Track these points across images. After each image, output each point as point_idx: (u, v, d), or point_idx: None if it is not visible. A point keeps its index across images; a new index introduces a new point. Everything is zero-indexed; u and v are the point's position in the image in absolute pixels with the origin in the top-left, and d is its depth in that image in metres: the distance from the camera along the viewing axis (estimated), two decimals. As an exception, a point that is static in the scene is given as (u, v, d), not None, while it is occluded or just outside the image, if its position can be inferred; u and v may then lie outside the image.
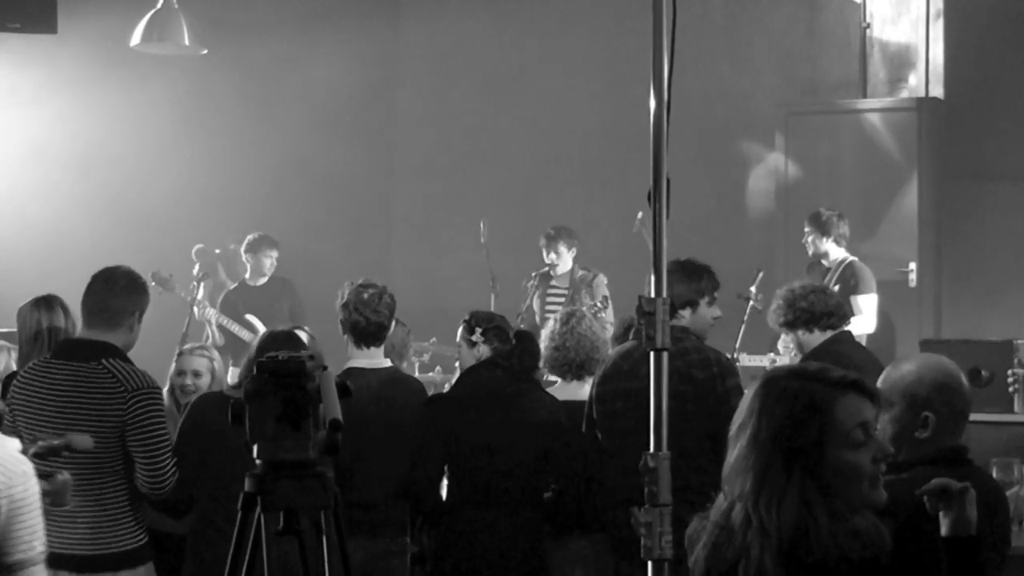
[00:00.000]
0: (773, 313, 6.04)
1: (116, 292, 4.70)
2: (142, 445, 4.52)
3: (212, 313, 9.27)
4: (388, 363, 5.35)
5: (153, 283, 8.96)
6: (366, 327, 5.22)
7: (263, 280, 9.62)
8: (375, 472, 5.06)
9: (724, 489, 2.60)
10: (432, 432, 5.14)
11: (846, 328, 6.01)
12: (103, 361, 4.54)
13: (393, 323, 5.38)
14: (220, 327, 9.26)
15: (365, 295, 5.23)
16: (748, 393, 2.62)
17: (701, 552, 2.61)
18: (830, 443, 2.49)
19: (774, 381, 2.60)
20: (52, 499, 3.68)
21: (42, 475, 3.38)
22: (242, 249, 9.66)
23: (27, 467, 3.16)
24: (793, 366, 2.72)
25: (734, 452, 2.57)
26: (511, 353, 5.28)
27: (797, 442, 2.49)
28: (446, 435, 5.14)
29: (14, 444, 3.23)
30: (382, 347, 5.33)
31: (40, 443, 4.00)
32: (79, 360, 4.57)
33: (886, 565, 2.52)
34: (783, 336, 8.71)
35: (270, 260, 9.60)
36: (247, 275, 9.68)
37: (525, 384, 5.29)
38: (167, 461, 4.57)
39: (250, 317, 9.19)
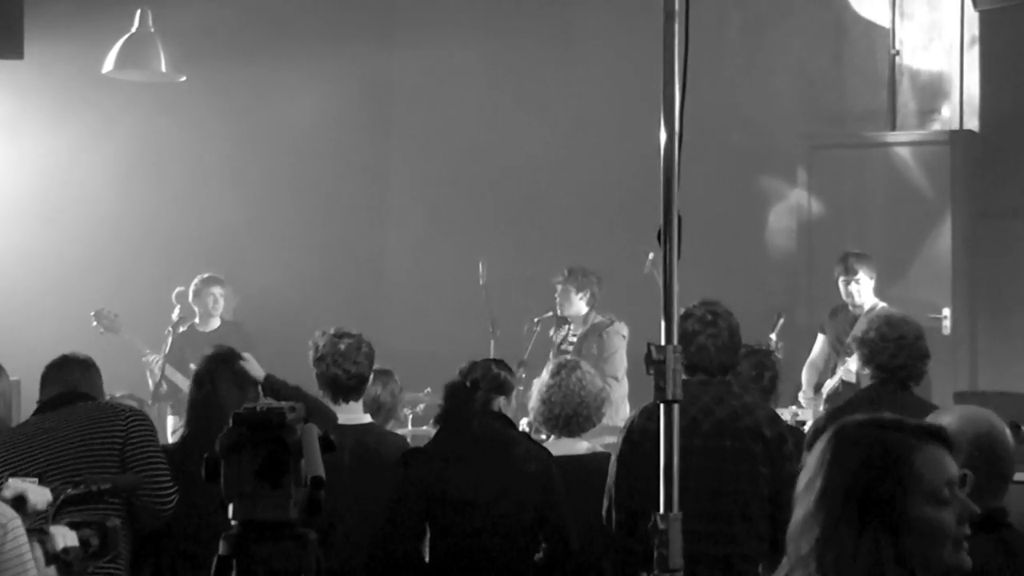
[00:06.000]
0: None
1: (87, 377, 5.04)
2: (144, 464, 4.75)
3: (156, 361, 9.18)
4: (367, 419, 5.30)
5: (95, 323, 8.94)
6: (346, 381, 5.19)
7: (214, 325, 9.61)
8: (351, 536, 5.01)
9: (788, 552, 2.50)
10: (409, 488, 5.04)
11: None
12: (92, 399, 4.95)
13: (372, 376, 5.33)
14: (165, 378, 9.18)
15: (342, 346, 5.20)
16: (817, 445, 2.53)
17: None
18: (912, 497, 2.40)
19: (845, 429, 2.52)
20: (96, 550, 3.41)
21: (80, 524, 3.35)
22: (190, 293, 9.61)
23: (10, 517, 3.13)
24: (866, 415, 2.58)
25: (800, 511, 2.47)
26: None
27: (872, 494, 2.40)
28: (425, 491, 5.02)
29: (41, 494, 3.23)
30: (360, 401, 5.28)
31: (70, 490, 4.04)
32: (72, 403, 4.89)
33: None
34: (802, 391, 8.69)
35: (212, 299, 9.57)
36: (196, 319, 9.65)
37: (512, 433, 5.16)
38: (167, 479, 4.78)
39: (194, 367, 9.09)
